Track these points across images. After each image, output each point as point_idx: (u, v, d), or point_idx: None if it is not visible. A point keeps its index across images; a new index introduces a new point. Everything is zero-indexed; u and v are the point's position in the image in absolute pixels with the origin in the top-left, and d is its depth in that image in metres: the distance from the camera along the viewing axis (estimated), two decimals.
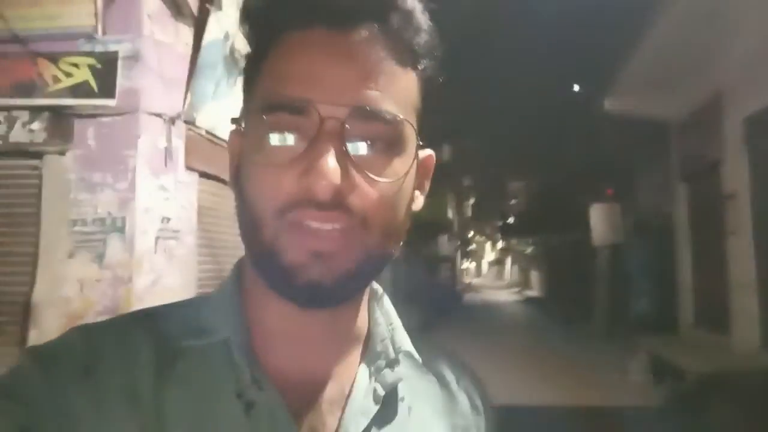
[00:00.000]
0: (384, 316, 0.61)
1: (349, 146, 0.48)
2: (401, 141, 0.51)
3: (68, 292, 3.13)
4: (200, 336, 0.54)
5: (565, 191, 15.10)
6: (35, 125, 3.33)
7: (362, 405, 0.55)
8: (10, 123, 3.35)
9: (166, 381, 0.51)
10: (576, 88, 10.78)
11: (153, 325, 0.54)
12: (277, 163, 0.48)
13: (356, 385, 0.56)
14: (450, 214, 21.55)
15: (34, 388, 0.48)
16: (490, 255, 60.07)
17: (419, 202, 0.58)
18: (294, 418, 0.51)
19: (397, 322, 0.62)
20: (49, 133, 3.31)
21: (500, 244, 45.69)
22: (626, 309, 10.25)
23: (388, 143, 0.50)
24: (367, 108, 0.48)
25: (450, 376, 0.65)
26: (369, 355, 0.58)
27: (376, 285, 0.61)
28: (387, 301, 0.63)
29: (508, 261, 50.37)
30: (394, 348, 0.59)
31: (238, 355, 0.52)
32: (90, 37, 3.35)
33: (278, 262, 0.49)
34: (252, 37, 0.54)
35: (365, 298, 0.59)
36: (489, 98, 12.42)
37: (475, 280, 52.32)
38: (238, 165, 0.54)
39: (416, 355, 0.62)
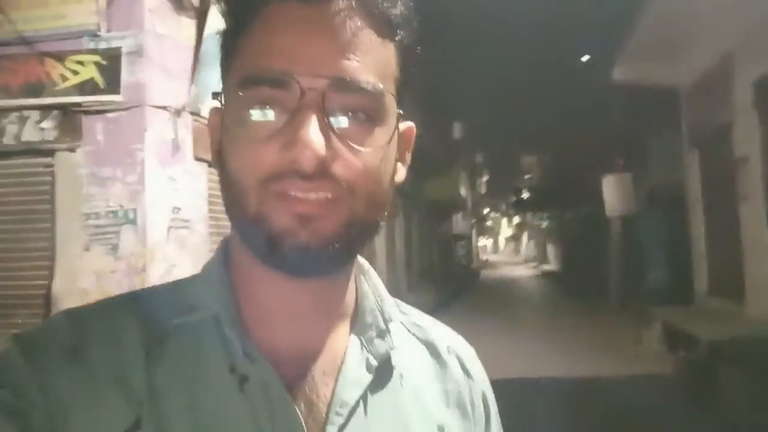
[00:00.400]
0: (372, 288, 0.62)
1: (330, 117, 0.48)
2: (382, 111, 0.51)
3: (85, 284, 3.24)
4: (189, 313, 0.54)
5: (577, 163, 15.01)
6: (46, 124, 3.42)
7: (356, 375, 0.55)
8: (22, 122, 3.44)
9: (157, 359, 0.51)
10: (584, 58, 10.65)
11: (140, 306, 0.55)
12: (259, 136, 0.48)
13: (348, 356, 0.56)
14: (463, 191, 21.51)
15: (20, 374, 0.48)
16: (506, 231, 59.93)
17: (401, 173, 0.58)
18: (288, 389, 0.52)
19: (386, 295, 0.62)
20: (60, 131, 3.40)
21: (516, 220, 45.54)
22: (640, 279, 10.23)
23: (369, 114, 0.50)
24: (347, 79, 0.48)
25: (439, 343, 0.65)
26: (359, 326, 0.59)
27: (362, 260, 0.61)
28: (374, 275, 0.63)
29: (525, 236, 50.22)
30: (383, 318, 0.60)
31: (229, 330, 0.52)
32: (94, 34, 3.42)
33: (265, 229, 0.49)
34: (229, 12, 0.53)
35: (352, 272, 0.59)
36: (498, 73, 12.31)
37: (492, 257, 52.26)
38: (219, 141, 0.54)
39: (406, 325, 0.64)
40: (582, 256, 17.39)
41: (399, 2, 0.53)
